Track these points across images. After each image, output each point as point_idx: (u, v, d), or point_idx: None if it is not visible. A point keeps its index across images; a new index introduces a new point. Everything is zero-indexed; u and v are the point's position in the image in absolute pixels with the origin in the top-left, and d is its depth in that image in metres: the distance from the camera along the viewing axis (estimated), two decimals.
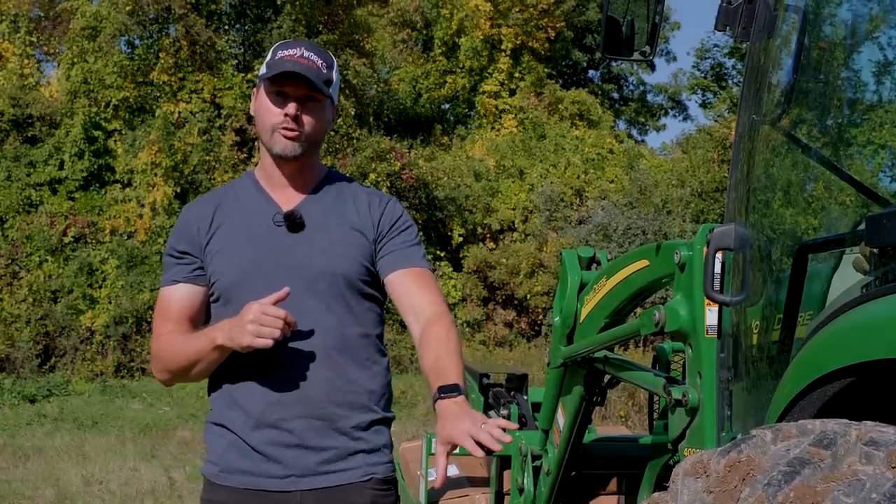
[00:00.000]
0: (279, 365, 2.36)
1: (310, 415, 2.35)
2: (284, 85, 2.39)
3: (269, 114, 2.41)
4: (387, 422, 2.48)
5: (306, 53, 2.42)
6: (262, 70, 2.45)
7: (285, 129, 2.39)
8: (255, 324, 2.22)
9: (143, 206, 18.20)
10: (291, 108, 2.38)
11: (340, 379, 2.38)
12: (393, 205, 2.54)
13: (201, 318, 2.48)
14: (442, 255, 21.18)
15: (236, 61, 19.72)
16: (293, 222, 2.44)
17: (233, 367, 2.38)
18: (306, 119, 2.41)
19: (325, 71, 2.43)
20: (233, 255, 2.42)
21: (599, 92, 28.66)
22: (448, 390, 2.22)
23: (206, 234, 2.46)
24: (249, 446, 2.38)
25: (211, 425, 2.48)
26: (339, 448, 2.37)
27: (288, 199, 2.49)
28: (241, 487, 2.38)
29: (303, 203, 2.48)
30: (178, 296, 2.46)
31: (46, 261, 18.34)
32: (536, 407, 3.86)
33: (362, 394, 2.41)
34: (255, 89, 2.50)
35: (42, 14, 21.43)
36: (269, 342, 2.22)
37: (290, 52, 2.42)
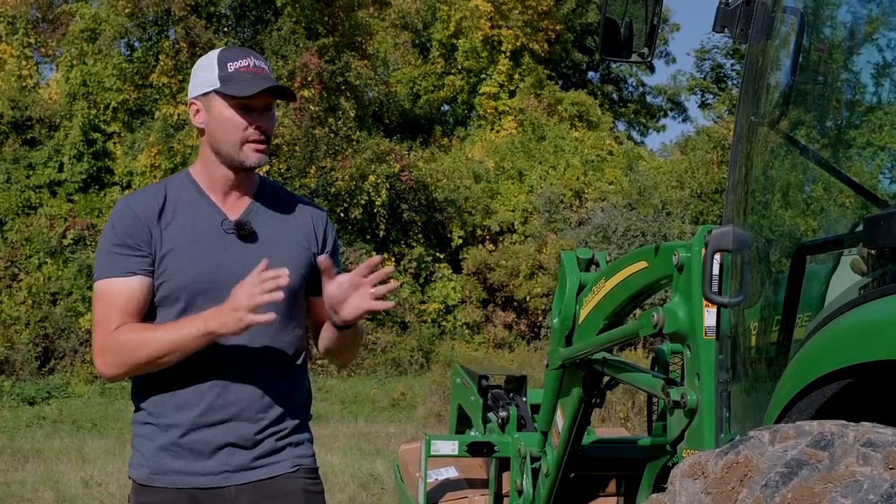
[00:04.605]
0: (218, 370, 2.41)
1: (246, 418, 2.44)
2: (252, 99, 2.40)
3: (237, 129, 2.41)
4: (309, 420, 2.62)
5: (258, 63, 2.43)
6: (215, 83, 2.41)
7: (256, 142, 2.42)
8: (251, 304, 2.24)
9: None
10: (263, 121, 2.42)
11: (275, 384, 2.47)
12: (331, 226, 2.64)
13: (144, 314, 2.42)
14: (441, 256, 21.17)
15: None
16: (243, 231, 2.46)
17: (169, 369, 2.39)
18: (268, 127, 2.45)
19: (273, 75, 2.46)
20: (185, 257, 2.41)
21: (599, 93, 28.62)
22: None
23: (156, 232, 2.42)
24: (182, 447, 2.42)
25: (141, 426, 2.49)
26: (270, 445, 2.48)
27: (231, 205, 2.49)
28: (174, 487, 2.42)
29: (248, 211, 2.50)
30: (133, 288, 2.39)
31: (46, 263, 18.35)
32: (535, 408, 3.86)
33: (292, 397, 2.52)
34: (196, 100, 2.46)
35: (40, 16, 21.42)
36: (270, 316, 2.24)
37: (243, 63, 2.42)
